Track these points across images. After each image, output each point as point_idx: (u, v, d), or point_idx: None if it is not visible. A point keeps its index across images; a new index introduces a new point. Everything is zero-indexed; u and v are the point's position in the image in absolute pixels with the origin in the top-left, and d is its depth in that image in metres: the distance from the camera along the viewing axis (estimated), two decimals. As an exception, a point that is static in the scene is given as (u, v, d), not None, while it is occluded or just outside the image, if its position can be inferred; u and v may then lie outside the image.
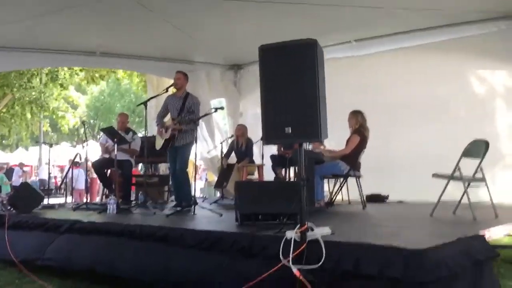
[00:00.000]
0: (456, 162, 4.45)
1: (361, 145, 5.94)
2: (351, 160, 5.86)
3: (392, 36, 7.81)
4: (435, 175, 4.79)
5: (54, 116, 18.18)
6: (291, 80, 2.94)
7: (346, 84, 7.87)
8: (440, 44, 7.44)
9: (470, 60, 7.31)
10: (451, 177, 4.55)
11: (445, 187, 4.57)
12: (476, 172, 4.67)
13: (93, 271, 3.95)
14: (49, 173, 9.08)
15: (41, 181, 17.84)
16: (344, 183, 6.28)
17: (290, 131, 2.92)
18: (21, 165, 18.26)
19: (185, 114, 5.91)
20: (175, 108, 6.04)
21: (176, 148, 5.97)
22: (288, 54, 2.96)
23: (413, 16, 6.96)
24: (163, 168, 11.78)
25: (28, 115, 17.64)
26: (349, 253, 2.68)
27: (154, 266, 3.53)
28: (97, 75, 15.59)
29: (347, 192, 6.91)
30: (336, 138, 6.13)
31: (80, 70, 16.22)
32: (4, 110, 17.53)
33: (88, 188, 10.92)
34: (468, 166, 4.61)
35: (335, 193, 6.49)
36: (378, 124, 7.55)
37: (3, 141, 24.71)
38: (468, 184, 4.56)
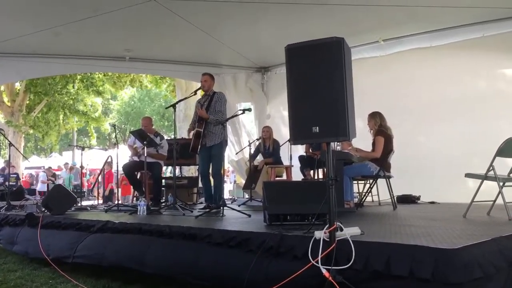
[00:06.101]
0: (490, 162, 4.33)
1: (387, 144, 5.86)
2: (380, 161, 5.79)
3: (420, 35, 7.72)
4: (468, 175, 4.67)
5: (87, 120, 18.69)
6: (318, 79, 2.89)
7: (373, 84, 7.81)
8: (468, 42, 7.33)
9: (500, 58, 7.15)
10: (485, 177, 4.42)
11: (479, 187, 4.44)
12: (511, 171, 4.54)
13: (123, 268, 4.01)
14: (81, 176, 9.31)
15: (74, 184, 18.08)
16: (374, 184, 6.21)
17: (317, 130, 2.88)
18: (48, 171, 17.98)
19: (212, 109, 5.94)
20: (202, 107, 6.06)
21: (208, 148, 5.96)
22: (315, 53, 2.92)
23: (441, 15, 6.86)
24: (192, 170, 11.89)
25: (61, 119, 18.15)
26: (379, 253, 2.62)
27: (183, 262, 3.57)
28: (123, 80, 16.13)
29: (378, 193, 6.82)
30: (364, 139, 6.09)
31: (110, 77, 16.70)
32: (39, 115, 18.12)
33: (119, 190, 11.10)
34: (503, 165, 4.49)
35: (365, 194, 6.41)
36: (408, 124, 7.47)
37: (38, 146, 25.51)
38: (503, 184, 4.42)
